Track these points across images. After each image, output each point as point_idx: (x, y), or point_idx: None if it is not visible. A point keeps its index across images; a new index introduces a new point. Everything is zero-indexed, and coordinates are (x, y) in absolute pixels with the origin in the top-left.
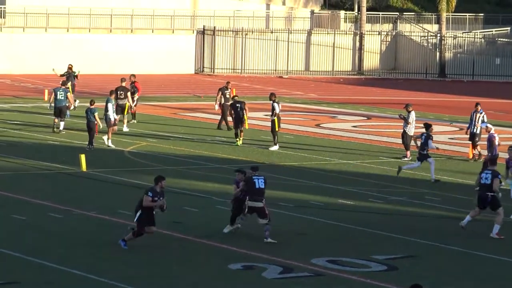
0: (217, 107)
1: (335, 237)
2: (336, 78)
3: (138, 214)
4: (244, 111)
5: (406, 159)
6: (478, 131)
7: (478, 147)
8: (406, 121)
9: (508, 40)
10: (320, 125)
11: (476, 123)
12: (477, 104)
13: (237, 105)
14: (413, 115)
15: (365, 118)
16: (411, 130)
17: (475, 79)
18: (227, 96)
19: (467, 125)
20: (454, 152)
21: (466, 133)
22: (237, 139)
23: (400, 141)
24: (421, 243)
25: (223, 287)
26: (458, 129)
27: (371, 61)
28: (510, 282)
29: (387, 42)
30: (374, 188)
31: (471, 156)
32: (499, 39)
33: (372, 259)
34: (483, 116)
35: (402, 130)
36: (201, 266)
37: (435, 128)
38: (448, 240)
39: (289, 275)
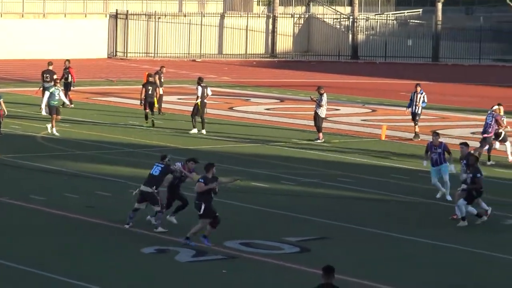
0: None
1: (248, 220)
2: (249, 61)
3: (202, 207)
4: (155, 93)
5: (318, 141)
6: (419, 111)
7: (417, 126)
8: (318, 103)
9: (420, 21)
10: (234, 108)
11: (417, 103)
12: (417, 85)
13: (149, 87)
14: (325, 97)
15: (278, 100)
16: (323, 112)
17: (388, 61)
18: (162, 80)
19: (407, 105)
20: (367, 134)
21: (406, 113)
22: (146, 121)
23: (312, 123)
24: (333, 224)
25: (136, 271)
26: (370, 110)
27: (284, 43)
28: (423, 262)
29: (300, 25)
30: (286, 170)
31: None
32: (411, 20)
33: (285, 241)
34: (423, 97)
35: (314, 113)
36: (114, 251)
37: (347, 110)
38: (361, 221)
39: (202, 258)
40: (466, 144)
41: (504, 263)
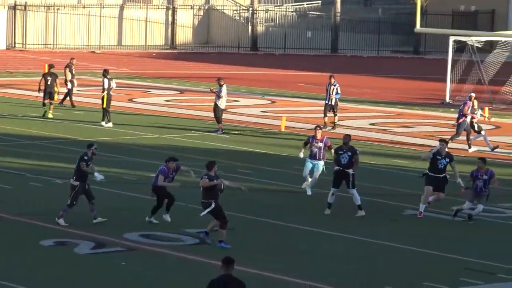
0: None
1: (148, 212)
2: (149, 52)
3: (210, 207)
4: (55, 83)
5: (218, 132)
6: (333, 102)
7: (336, 117)
8: (217, 94)
9: (319, 13)
10: (133, 99)
11: (331, 94)
12: (331, 76)
13: (48, 78)
14: (224, 88)
15: (178, 92)
16: (223, 103)
17: (287, 52)
18: (73, 72)
19: (325, 98)
20: (266, 125)
21: (327, 103)
22: (46, 110)
23: (212, 114)
24: (235, 216)
25: (35, 264)
26: (269, 102)
27: (184, 35)
28: (323, 252)
29: (200, 16)
30: (186, 162)
31: (333, 122)
32: (310, 12)
33: (185, 232)
34: (336, 88)
35: (214, 104)
36: (13, 243)
37: (247, 101)
38: (261, 212)
39: (101, 250)
40: (445, 142)
41: (401, 252)
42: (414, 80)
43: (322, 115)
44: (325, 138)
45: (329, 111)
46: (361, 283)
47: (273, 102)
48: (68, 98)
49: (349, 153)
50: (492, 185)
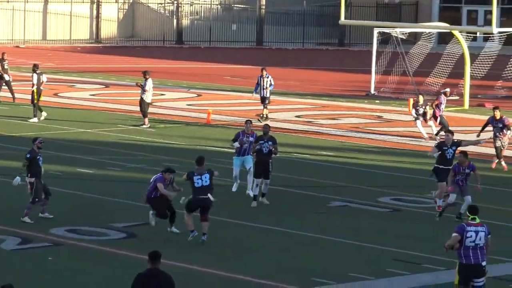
0: None
1: (74, 206)
2: (73, 46)
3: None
4: None
5: (144, 126)
6: (268, 95)
7: (267, 110)
8: (143, 88)
9: (244, 6)
10: (58, 94)
11: (265, 87)
12: (263, 68)
13: None
14: (150, 82)
15: (103, 86)
16: (149, 97)
17: (212, 45)
18: (6, 67)
19: (254, 89)
20: (192, 119)
21: (253, 98)
22: None
23: (138, 108)
24: None
25: None
26: (195, 95)
27: (109, 29)
28: (250, 245)
29: (125, 10)
30: (112, 156)
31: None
32: (235, 5)
33: (111, 227)
34: (270, 80)
35: (139, 98)
36: None
37: (173, 94)
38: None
39: (27, 245)
40: (451, 132)
41: (327, 243)
42: (339, 72)
43: (249, 108)
44: (254, 133)
45: (263, 103)
46: (288, 275)
47: (199, 95)
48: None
49: (270, 142)
50: (474, 183)
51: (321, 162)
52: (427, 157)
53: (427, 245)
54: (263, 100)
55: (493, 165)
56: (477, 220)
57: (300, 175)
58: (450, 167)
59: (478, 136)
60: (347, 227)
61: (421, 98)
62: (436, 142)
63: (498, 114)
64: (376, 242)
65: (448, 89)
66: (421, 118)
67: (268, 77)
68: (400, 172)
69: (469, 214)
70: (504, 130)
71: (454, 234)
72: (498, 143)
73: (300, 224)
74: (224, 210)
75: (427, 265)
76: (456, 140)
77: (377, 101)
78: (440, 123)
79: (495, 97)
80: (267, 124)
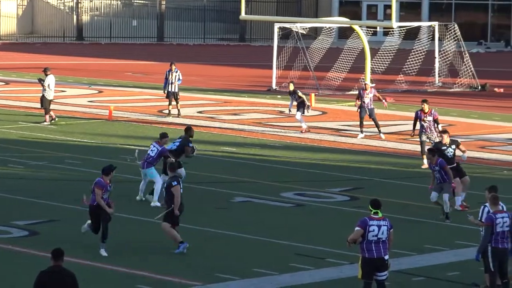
0: None
1: None
2: None
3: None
4: None
5: (45, 123)
6: (176, 89)
7: (179, 105)
8: (43, 85)
9: (144, 2)
10: None
11: (173, 81)
12: (171, 63)
13: None
14: (51, 79)
15: (4, 83)
16: (50, 94)
17: (113, 41)
18: None
19: (164, 85)
20: (94, 115)
21: (164, 92)
22: None
23: (39, 105)
24: (61, 206)
25: None
26: (97, 91)
27: (8, 25)
28: (153, 245)
29: (24, 6)
30: (14, 154)
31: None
32: (135, 1)
33: (13, 225)
34: (178, 75)
35: (41, 95)
36: None
37: (74, 91)
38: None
39: None
40: (444, 131)
41: (230, 239)
42: (240, 67)
43: (151, 104)
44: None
45: (168, 98)
46: (191, 271)
47: (100, 91)
48: None
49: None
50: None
51: (223, 158)
52: (327, 152)
53: (330, 240)
54: (169, 95)
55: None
56: (380, 214)
57: (202, 171)
58: (454, 165)
59: (412, 133)
60: (250, 223)
61: (291, 86)
62: (432, 145)
63: (426, 108)
64: (279, 237)
65: (362, 79)
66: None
67: (176, 72)
68: (302, 167)
69: (371, 208)
70: (435, 125)
71: (356, 229)
72: (424, 137)
73: (203, 220)
74: (127, 207)
75: (331, 259)
76: (453, 140)
77: (278, 96)
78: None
79: (396, 91)
80: (189, 129)
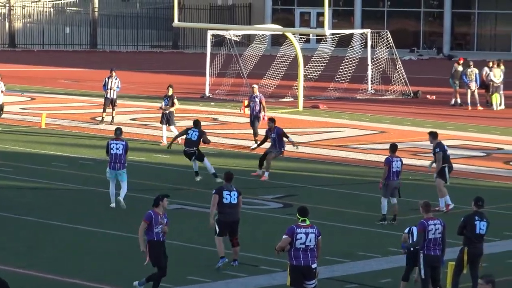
0: None
1: None
2: None
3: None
4: None
5: None
6: (114, 96)
7: (114, 112)
8: None
9: (77, 9)
10: None
11: (112, 88)
12: (111, 69)
13: None
14: None
15: None
16: None
17: (46, 48)
18: None
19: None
20: (26, 122)
21: (107, 96)
22: None
23: None
24: None
25: None
26: (29, 98)
27: None
28: (84, 249)
29: None
30: None
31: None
32: (68, 8)
33: None
34: (118, 82)
35: None
36: None
37: (6, 98)
38: (23, 210)
39: None
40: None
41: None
42: (174, 74)
43: (90, 110)
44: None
45: (109, 106)
46: (125, 279)
47: (32, 99)
48: None
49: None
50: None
51: (157, 165)
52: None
53: (262, 247)
54: (106, 102)
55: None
56: (307, 222)
57: (137, 178)
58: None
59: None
60: (184, 230)
61: (170, 91)
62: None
63: (272, 126)
64: (212, 245)
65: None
66: (165, 124)
67: (116, 79)
68: (236, 173)
69: (299, 216)
70: (285, 139)
71: (284, 237)
72: (273, 155)
73: (135, 228)
74: (55, 213)
75: (263, 266)
76: (438, 142)
77: (212, 103)
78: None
79: (328, 98)
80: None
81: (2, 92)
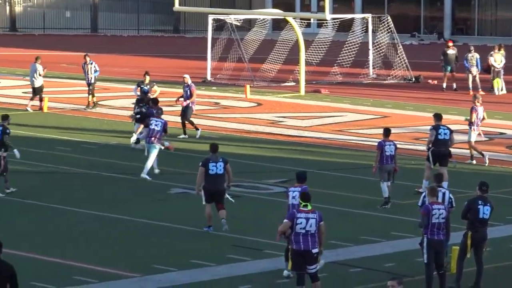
0: None
1: None
2: None
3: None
4: None
5: None
6: (93, 81)
7: (94, 97)
8: None
9: None
10: None
11: (89, 73)
12: (85, 55)
13: None
14: None
15: None
16: None
17: (46, 33)
18: None
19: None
20: (29, 106)
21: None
22: None
23: None
24: None
25: None
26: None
27: None
28: (92, 233)
29: None
30: None
31: (87, 104)
32: None
33: None
34: (95, 66)
35: None
36: None
37: (8, 82)
38: (26, 194)
39: None
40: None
41: (167, 230)
42: (175, 59)
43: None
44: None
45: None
46: (129, 263)
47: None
48: None
49: None
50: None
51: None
52: (263, 143)
53: (267, 231)
54: (88, 86)
55: None
56: (309, 207)
57: (140, 162)
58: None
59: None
60: (187, 214)
61: (147, 78)
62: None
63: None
64: (216, 229)
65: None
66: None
67: (92, 64)
68: (238, 158)
69: (301, 201)
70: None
71: (285, 221)
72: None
73: (139, 212)
74: (58, 198)
75: (267, 251)
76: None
77: (213, 88)
78: None
79: (330, 82)
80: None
81: (40, 75)
